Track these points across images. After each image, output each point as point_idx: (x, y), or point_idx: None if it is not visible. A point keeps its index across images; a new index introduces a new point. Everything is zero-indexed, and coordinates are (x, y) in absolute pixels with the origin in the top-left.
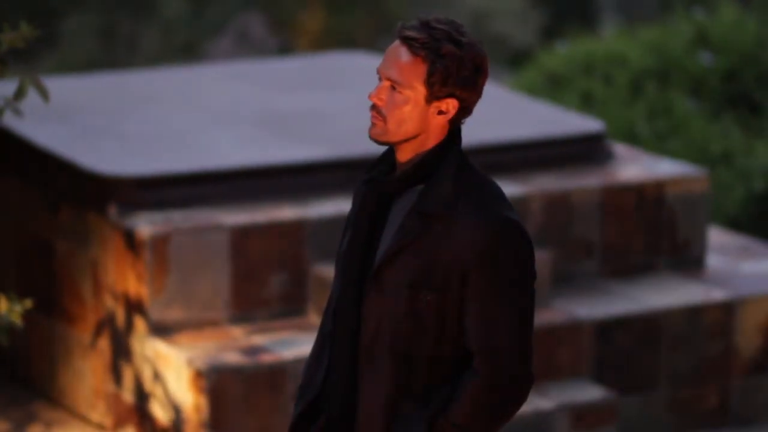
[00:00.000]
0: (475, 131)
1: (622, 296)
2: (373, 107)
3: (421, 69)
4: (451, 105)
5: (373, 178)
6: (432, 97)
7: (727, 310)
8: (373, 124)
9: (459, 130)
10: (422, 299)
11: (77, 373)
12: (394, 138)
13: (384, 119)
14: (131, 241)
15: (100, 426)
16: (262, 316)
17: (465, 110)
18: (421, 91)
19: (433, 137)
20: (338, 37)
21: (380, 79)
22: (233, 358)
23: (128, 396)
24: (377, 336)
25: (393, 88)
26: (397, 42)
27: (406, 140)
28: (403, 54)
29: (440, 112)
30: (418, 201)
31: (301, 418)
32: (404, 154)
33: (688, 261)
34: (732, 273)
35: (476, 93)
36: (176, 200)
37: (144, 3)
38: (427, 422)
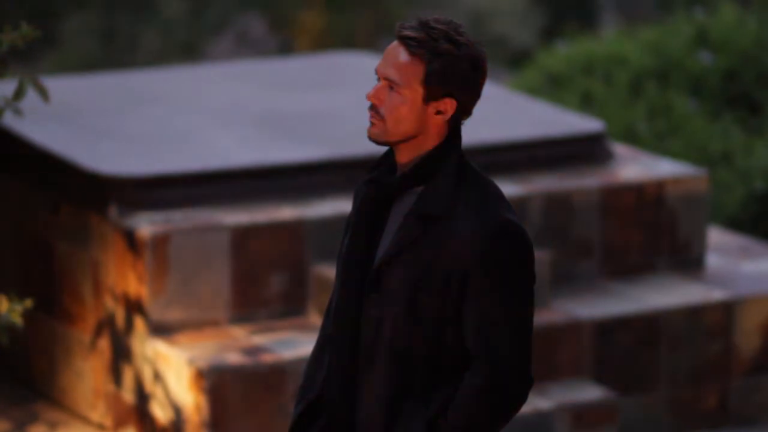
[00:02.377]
0: (475, 131)
1: (622, 296)
2: (372, 107)
3: (419, 68)
4: (449, 105)
5: (373, 180)
6: (429, 96)
7: (727, 310)
8: (372, 124)
9: (459, 131)
10: (422, 301)
11: (77, 373)
12: (392, 138)
13: (382, 119)
14: (131, 241)
15: (100, 426)
16: (263, 316)
17: (464, 111)
18: (418, 90)
19: (431, 138)
20: (338, 37)
21: (378, 79)
22: (233, 358)
23: (128, 396)
24: (377, 337)
25: (391, 87)
26: (395, 42)
27: (405, 140)
28: (401, 53)
29: (438, 112)
30: (417, 202)
31: (302, 419)
32: (403, 156)
33: (688, 261)
34: (732, 273)
35: (475, 93)
36: (176, 200)
37: (144, 3)
38: (427, 424)
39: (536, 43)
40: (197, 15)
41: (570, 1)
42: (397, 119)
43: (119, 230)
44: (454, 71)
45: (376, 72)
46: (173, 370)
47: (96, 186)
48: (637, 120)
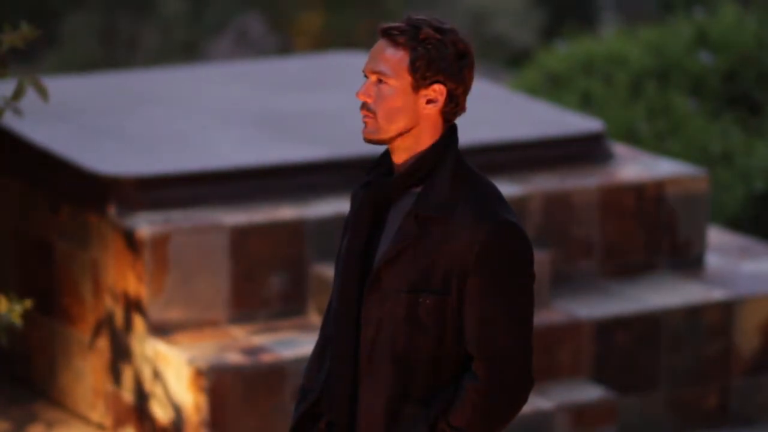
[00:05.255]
0: (475, 131)
1: (622, 296)
2: (363, 106)
3: (404, 56)
4: (438, 92)
5: (371, 182)
6: (418, 84)
7: (727, 310)
8: (365, 124)
9: (455, 130)
10: (421, 302)
11: (77, 373)
12: (386, 134)
13: (374, 115)
14: (131, 241)
15: (100, 426)
16: (262, 316)
17: (455, 101)
18: (406, 78)
19: (426, 133)
20: (338, 37)
21: (366, 79)
22: (233, 358)
23: (128, 396)
24: (377, 339)
25: (379, 81)
26: (379, 40)
27: (400, 136)
28: (385, 46)
29: (429, 101)
30: (415, 203)
31: (303, 421)
32: (400, 155)
33: (687, 261)
34: (732, 273)
35: (463, 82)
36: (176, 200)
37: (144, 3)
38: (428, 425)
39: (536, 43)
40: (197, 15)
41: (570, 1)
42: (388, 112)
43: (119, 230)
44: (439, 55)
45: (364, 72)
46: (173, 369)
47: (96, 186)
48: (637, 120)
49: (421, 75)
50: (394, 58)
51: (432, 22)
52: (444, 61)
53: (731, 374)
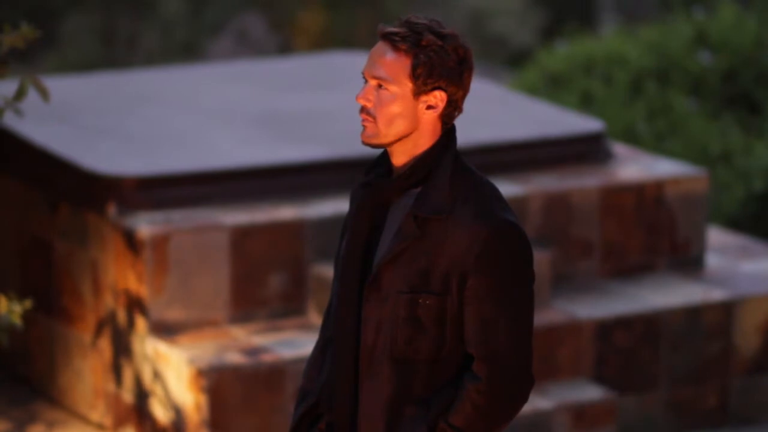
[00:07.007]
0: (475, 131)
1: (622, 296)
2: (362, 110)
3: (406, 63)
4: (438, 98)
5: (370, 182)
6: (419, 90)
7: (727, 310)
8: (364, 127)
9: (454, 131)
10: (421, 303)
11: (77, 373)
12: (385, 139)
13: (374, 119)
14: (131, 241)
15: (100, 426)
16: (262, 316)
17: (454, 105)
18: (407, 85)
19: (425, 136)
20: (338, 37)
21: (366, 81)
22: (233, 358)
23: (128, 396)
24: (377, 340)
25: (379, 86)
26: (379, 42)
27: (399, 140)
28: (386, 50)
29: (429, 107)
30: (414, 204)
31: (302, 422)
32: (399, 157)
33: (687, 261)
34: (731, 273)
35: (462, 86)
36: (176, 200)
37: (144, 3)
38: (428, 425)
39: (536, 43)
40: (197, 15)
41: (570, 1)
42: (388, 117)
43: (119, 230)
44: (440, 62)
45: (363, 74)
46: (173, 369)
47: (95, 185)
48: (637, 120)
49: (422, 82)
50: (395, 64)
51: (433, 27)
52: (445, 68)
53: (731, 374)
